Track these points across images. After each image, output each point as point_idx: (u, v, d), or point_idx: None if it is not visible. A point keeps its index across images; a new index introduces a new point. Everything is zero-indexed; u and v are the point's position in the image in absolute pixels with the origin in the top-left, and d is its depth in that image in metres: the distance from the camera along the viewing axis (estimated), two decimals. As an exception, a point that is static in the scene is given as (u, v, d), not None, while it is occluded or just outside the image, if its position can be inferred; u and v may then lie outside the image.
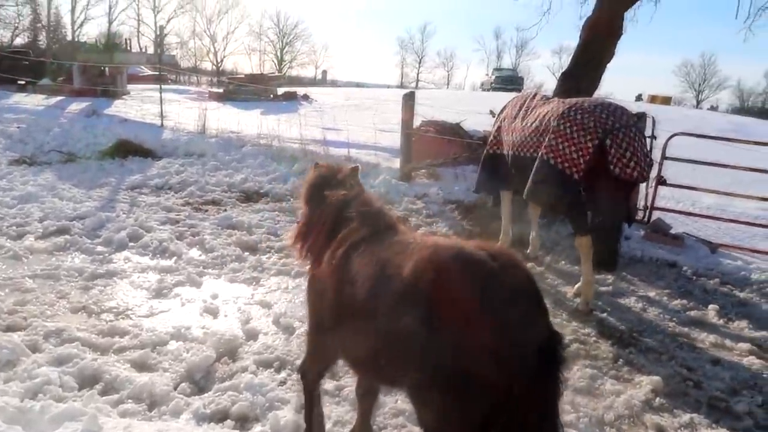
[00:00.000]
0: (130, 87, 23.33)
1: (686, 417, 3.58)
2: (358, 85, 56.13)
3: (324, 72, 70.65)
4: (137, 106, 17.17)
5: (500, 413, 1.95)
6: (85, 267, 5.51)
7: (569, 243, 6.54)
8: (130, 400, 3.38)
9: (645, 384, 3.91)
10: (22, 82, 22.34)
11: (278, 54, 77.70)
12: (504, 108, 6.34)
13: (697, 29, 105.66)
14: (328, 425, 3.21)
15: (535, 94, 6.11)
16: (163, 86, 16.67)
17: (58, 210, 7.30)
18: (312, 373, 2.98)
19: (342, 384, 3.63)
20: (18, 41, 44.84)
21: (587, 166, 4.86)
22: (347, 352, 2.66)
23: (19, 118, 14.77)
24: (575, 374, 4.01)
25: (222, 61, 75.44)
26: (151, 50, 63.30)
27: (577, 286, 5.49)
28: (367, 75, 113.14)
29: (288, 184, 9.06)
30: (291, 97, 24.13)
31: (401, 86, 65.69)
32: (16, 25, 47.87)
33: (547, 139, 5.17)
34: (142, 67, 34.20)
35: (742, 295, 5.90)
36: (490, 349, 1.91)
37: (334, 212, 2.84)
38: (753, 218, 7.81)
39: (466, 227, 7.59)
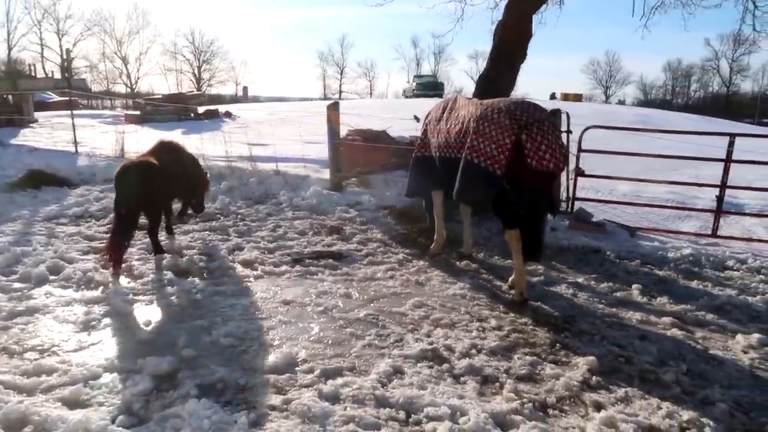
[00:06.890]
0: (37, 114, 22.11)
1: (621, 392, 3.77)
2: (280, 99, 55.68)
3: (245, 88, 69.66)
4: (47, 133, 16.30)
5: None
6: (1, 306, 5.16)
7: (500, 238, 6.76)
8: (64, 440, 3.18)
9: (581, 365, 4.09)
10: None
11: (196, 72, 76.06)
12: (430, 112, 6.51)
13: (601, 29, 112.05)
14: None
15: (456, 98, 6.30)
16: (74, 111, 15.90)
17: (-34, 249, 6.80)
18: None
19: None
20: None
21: (508, 161, 5.05)
22: None
23: None
24: (516, 362, 4.14)
25: (137, 82, 72.99)
26: (58, 75, 60.39)
27: (511, 278, 5.67)
28: (289, 89, 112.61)
29: (217, 203, 8.85)
30: (213, 115, 23.64)
31: (324, 98, 65.77)
32: None
33: (468, 140, 5.35)
34: (50, 93, 32.52)
35: (661, 273, 6.31)
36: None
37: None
38: (665, 201, 8.39)
39: (401, 231, 7.68)
